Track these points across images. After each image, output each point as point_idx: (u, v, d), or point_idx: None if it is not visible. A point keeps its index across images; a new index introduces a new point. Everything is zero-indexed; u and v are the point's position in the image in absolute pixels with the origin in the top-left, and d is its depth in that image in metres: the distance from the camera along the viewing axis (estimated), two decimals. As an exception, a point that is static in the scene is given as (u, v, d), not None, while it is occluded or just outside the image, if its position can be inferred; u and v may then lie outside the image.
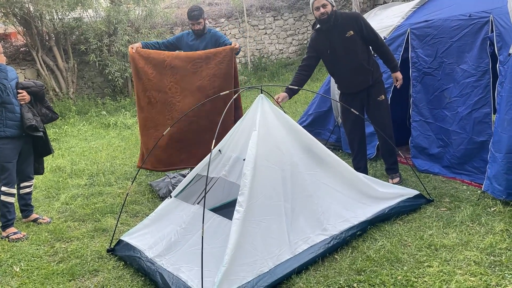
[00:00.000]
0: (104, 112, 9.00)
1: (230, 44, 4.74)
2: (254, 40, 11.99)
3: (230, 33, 11.55)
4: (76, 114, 8.93)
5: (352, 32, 4.01)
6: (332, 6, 3.99)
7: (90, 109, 9.23)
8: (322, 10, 3.95)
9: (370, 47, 4.22)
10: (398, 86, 4.31)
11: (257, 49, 12.02)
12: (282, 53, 12.32)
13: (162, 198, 4.48)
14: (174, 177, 4.77)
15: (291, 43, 12.40)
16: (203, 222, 2.82)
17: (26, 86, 3.96)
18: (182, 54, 4.77)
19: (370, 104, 4.26)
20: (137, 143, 6.84)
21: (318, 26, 4.13)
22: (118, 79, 9.59)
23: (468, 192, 4.03)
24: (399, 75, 4.24)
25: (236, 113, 4.70)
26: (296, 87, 4.21)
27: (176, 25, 11.00)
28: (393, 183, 4.25)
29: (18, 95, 3.90)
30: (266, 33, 12.11)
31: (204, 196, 2.93)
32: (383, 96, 4.25)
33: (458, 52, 4.26)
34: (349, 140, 4.52)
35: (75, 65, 9.79)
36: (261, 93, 3.46)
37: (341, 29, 4.03)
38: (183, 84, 4.68)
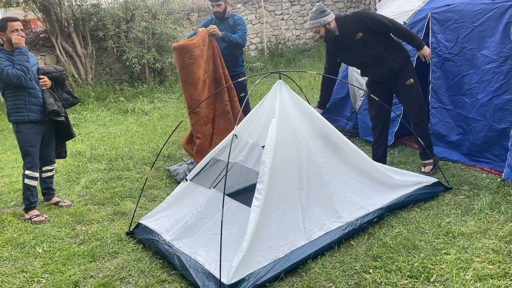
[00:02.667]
0: (122, 98, 9.09)
1: (242, 33, 4.84)
2: (271, 26, 11.89)
3: (246, 19, 11.47)
4: (95, 100, 9.04)
5: (361, 34, 4.00)
6: (325, 25, 3.96)
7: (108, 95, 9.33)
8: (317, 35, 4.12)
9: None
10: (428, 62, 4.28)
11: (273, 35, 11.92)
12: (299, 39, 12.20)
13: (179, 183, 4.52)
14: (191, 162, 4.81)
15: (308, 29, 12.25)
16: (222, 207, 2.85)
17: (46, 71, 4.03)
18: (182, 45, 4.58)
19: (399, 89, 4.23)
20: (155, 129, 6.92)
21: None
22: (135, 66, 9.65)
23: (488, 180, 3.97)
24: (425, 51, 4.14)
25: (231, 93, 4.75)
26: (325, 104, 4.55)
27: (193, 11, 10.98)
28: (425, 172, 4.23)
29: (40, 80, 3.97)
30: (283, 19, 11.99)
31: (225, 182, 2.94)
32: (412, 80, 4.17)
33: (479, 37, 4.15)
34: (372, 124, 4.50)
35: (94, 51, 9.88)
36: (280, 78, 3.44)
37: (349, 34, 4.04)
38: (183, 77, 4.59)
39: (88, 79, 9.81)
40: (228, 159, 3.04)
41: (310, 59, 10.98)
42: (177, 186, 4.44)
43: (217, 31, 4.65)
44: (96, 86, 9.75)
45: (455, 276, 2.67)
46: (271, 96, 3.40)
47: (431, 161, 4.30)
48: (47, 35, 9.66)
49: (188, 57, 4.45)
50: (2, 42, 3.90)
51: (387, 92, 4.31)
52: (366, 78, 4.62)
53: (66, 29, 9.69)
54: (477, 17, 4.14)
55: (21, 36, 3.83)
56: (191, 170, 4.55)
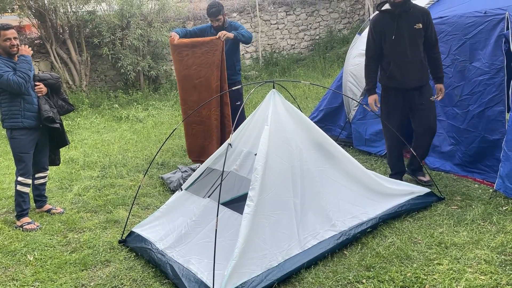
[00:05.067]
0: (116, 105, 9.08)
1: (245, 29, 4.76)
2: (266, 35, 11.97)
3: (242, 28, 11.53)
4: (89, 107, 9.02)
5: (420, 25, 3.89)
6: None
7: (102, 102, 9.31)
8: None
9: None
10: (439, 99, 4.14)
11: (268, 44, 12.00)
12: (293, 48, 12.28)
13: (173, 191, 4.52)
14: (185, 171, 4.80)
15: (303, 38, 12.35)
16: (217, 216, 2.85)
17: (43, 78, 4.03)
18: (173, 41, 4.71)
19: (422, 103, 4.03)
20: (149, 137, 6.91)
21: (385, 7, 3.97)
22: (130, 73, 9.66)
23: (480, 190, 4.00)
24: (443, 87, 4.12)
25: (224, 108, 4.71)
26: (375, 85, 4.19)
27: (189, 19, 11.03)
28: (426, 180, 4.18)
29: (36, 87, 3.96)
30: (278, 28, 12.07)
31: (220, 191, 2.95)
32: (433, 97, 4.09)
33: (471, 49, 4.21)
34: (389, 140, 4.23)
35: (88, 58, 9.88)
36: (273, 87, 3.46)
37: (411, 19, 3.91)
38: (175, 73, 4.83)
39: (82, 85, 9.80)
40: (223, 169, 3.04)
41: (304, 69, 11.05)
42: (170, 194, 4.46)
43: (228, 34, 4.54)
44: (91, 93, 9.74)
45: (448, 287, 2.68)
46: (264, 105, 3.42)
47: (423, 171, 4.31)
48: (42, 42, 9.65)
49: (176, 54, 4.64)
50: None
51: (403, 106, 4.09)
52: (362, 87, 4.62)
53: (61, 35, 9.68)
54: (469, 30, 4.20)
55: (17, 45, 3.83)
56: (185, 178, 4.55)
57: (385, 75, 4.09)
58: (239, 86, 4.52)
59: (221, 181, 2.99)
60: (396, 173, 4.29)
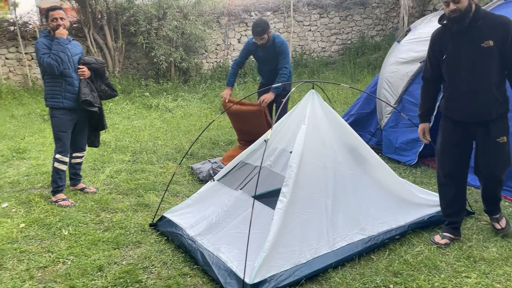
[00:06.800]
0: (147, 93, 9.23)
1: (285, 64, 4.96)
2: (298, 36, 11.98)
3: (274, 27, 11.57)
4: (120, 93, 9.18)
5: (491, 43, 3.04)
6: (470, 1, 3.03)
7: (133, 89, 9.48)
8: (452, 6, 3.02)
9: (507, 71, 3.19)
10: None
11: (299, 45, 12.00)
12: (324, 51, 12.26)
13: (202, 181, 4.61)
14: (215, 162, 4.88)
15: (334, 42, 12.32)
16: (252, 208, 2.93)
17: (87, 62, 4.15)
18: (225, 101, 5.06)
19: (486, 144, 3.25)
20: (178, 126, 7.02)
21: (445, 22, 3.24)
22: (162, 63, 9.80)
23: (511, 208, 3.96)
24: None
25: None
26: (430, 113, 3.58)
27: (223, 15, 11.12)
28: (499, 229, 3.49)
29: (78, 70, 4.09)
30: (310, 30, 12.07)
31: (257, 184, 3.02)
32: (505, 138, 3.20)
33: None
34: (443, 181, 3.48)
35: (123, 45, 10.06)
36: (313, 88, 3.51)
37: (478, 34, 3.08)
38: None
39: (115, 72, 9.99)
40: (261, 164, 3.11)
41: (334, 72, 11.01)
42: (199, 183, 4.56)
43: (267, 98, 4.74)
44: (123, 79, 9.92)
45: (476, 300, 2.68)
46: (302, 105, 3.47)
47: (500, 212, 3.57)
48: (80, 26, 9.88)
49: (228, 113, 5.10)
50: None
51: (466, 138, 3.33)
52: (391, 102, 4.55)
53: (99, 21, 9.90)
54: None
55: (64, 26, 3.97)
56: (215, 169, 4.63)
57: (443, 103, 3.40)
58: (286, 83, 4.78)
59: (259, 174, 3.06)
60: (449, 223, 3.45)
